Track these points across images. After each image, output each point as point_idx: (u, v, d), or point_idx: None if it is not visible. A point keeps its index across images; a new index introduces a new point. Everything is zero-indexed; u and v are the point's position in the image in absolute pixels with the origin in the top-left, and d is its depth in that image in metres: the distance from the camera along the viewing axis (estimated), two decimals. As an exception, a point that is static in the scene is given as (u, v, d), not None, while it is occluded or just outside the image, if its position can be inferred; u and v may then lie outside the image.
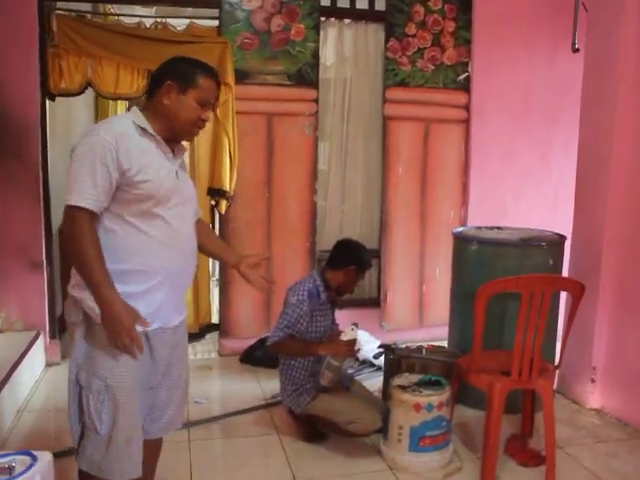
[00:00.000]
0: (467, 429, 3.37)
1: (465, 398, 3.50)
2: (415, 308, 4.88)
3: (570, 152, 4.80)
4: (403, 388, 2.93)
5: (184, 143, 2.16)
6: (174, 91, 1.97)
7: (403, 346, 3.71)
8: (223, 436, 3.30)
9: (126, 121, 1.98)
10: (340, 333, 2.93)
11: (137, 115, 1.99)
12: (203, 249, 2.29)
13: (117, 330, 1.83)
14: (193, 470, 2.89)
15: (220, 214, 4.34)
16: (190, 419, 3.33)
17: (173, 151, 2.05)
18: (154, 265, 1.95)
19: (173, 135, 2.03)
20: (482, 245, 3.49)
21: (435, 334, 4.92)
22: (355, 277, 3.15)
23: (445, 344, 4.03)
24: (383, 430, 3.01)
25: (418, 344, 3.77)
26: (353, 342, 2.89)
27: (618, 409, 3.55)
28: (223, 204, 4.26)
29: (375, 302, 4.82)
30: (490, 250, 3.47)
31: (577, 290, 2.68)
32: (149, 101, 2.04)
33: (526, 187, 4.92)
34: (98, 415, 1.93)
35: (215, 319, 4.79)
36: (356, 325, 2.96)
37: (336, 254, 3.21)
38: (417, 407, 2.84)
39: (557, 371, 2.96)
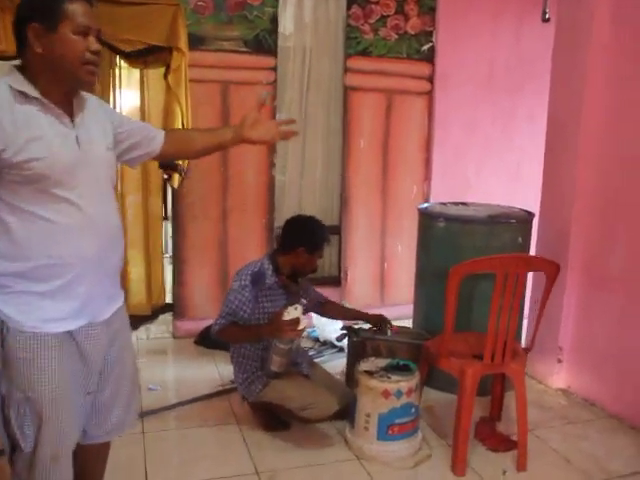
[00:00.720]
0: (434, 413, 3.27)
1: (431, 380, 3.37)
2: (376, 286, 4.75)
3: (533, 123, 4.75)
4: (370, 374, 2.79)
5: (86, 97, 1.76)
6: (42, 33, 1.58)
7: (367, 327, 3.57)
8: (179, 426, 3.09)
9: None
10: (282, 313, 2.70)
11: (15, 77, 1.61)
12: (194, 152, 2.15)
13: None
14: (148, 464, 2.69)
15: (173, 188, 4.08)
16: (144, 408, 3.11)
17: (71, 115, 1.68)
18: (65, 256, 1.65)
19: (65, 87, 1.65)
20: (449, 222, 3.36)
21: (397, 313, 4.78)
22: (308, 259, 2.93)
23: (409, 324, 3.92)
24: (349, 417, 2.87)
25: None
26: (296, 321, 2.66)
27: (584, 389, 3.50)
28: (176, 178, 4.00)
29: (335, 280, 4.66)
30: (457, 228, 3.34)
31: (552, 271, 2.57)
32: (23, 58, 1.64)
33: (488, 159, 4.81)
34: (21, 429, 1.69)
35: (169, 299, 4.55)
36: (301, 304, 2.74)
37: (284, 235, 3.01)
38: (385, 394, 2.71)
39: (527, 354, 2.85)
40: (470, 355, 2.75)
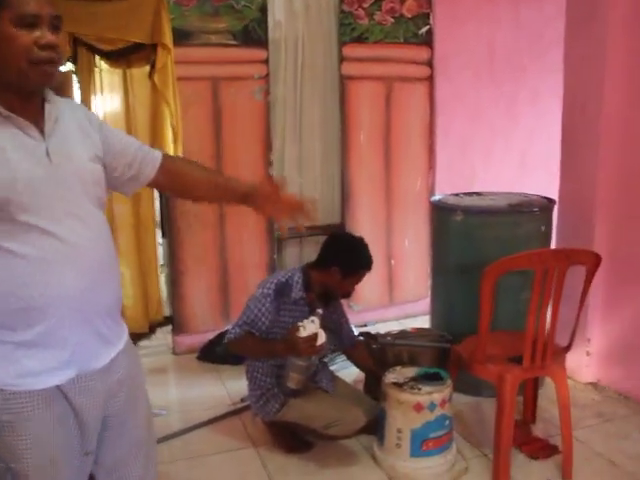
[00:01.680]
0: (463, 419, 3.04)
1: (457, 384, 3.16)
2: (384, 285, 4.52)
3: (538, 103, 4.55)
4: (399, 386, 2.56)
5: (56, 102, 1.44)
6: None
7: (383, 332, 3.35)
8: (191, 455, 2.82)
9: None
10: (298, 328, 2.44)
11: None
12: (192, 195, 1.82)
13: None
14: (161, 502, 2.45)
15: (166, 196, 3.82)
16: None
17: (41, 124, 1.38)
18: (36, 296, 1.34)
19: (19, 93, 1.35)
20: (468, 215, 3.13)
21: (407, 311, 4.60)
22: (341, 281, 2.67)
23: (422, 322, 3.71)
24: (377, 433, 2.64)
25: (401, 329, 3.41)
26: (313, 338, 2.42)
27: (615, 382, 3.30)
28: (168, 185, 3.74)
29: (341, 281, 4.42)
30: (477, 220, 3.12)
31: (593, 263, 2.35)
32: None
33: (494, 145, 4.59)
34: None
35: (167, 313, 4.28)
36: (317, 315, 2.48)
37: (322, 249, 2.76)
38: (418, 407, 2.48)
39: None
40: (505, 358, 2.53)
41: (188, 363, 3.91)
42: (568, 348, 2.58)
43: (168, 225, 3.89)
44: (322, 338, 2.45)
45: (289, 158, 4.25)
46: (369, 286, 4.39)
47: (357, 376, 3.46)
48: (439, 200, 3.40)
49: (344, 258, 2.65)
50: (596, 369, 3.39)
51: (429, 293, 4.01)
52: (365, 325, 4.45)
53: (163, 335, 4.30)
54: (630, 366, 3.22)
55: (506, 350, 2.61)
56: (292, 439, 2.79)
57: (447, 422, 2.55)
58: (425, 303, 4.46)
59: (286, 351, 2.48)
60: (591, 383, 3.40)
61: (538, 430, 2.91)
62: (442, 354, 3.14)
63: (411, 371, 2.69)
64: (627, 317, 3.19)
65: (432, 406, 2.48)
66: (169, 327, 4.11)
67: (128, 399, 1.57)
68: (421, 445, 2.51)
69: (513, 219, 3.06)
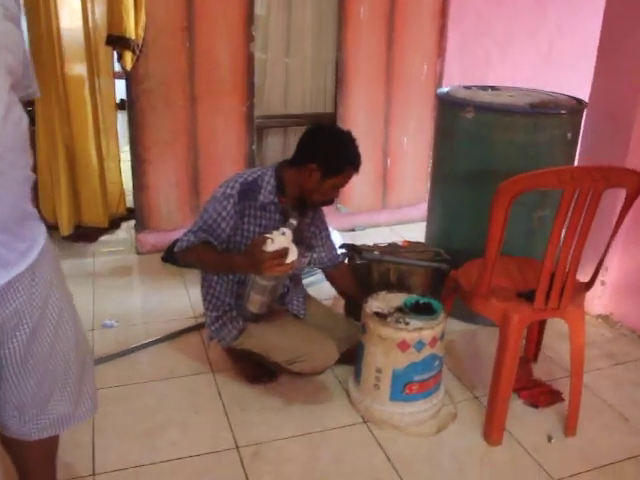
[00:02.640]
0: (455, 352, 2.66)
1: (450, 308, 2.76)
2: (378, 186, 4.02)
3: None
4: (382, 317, 2.13)
5: None
6: None
7: (370, 244, 2.89)
8: (138, 379, 2.42)
9: None
10: (264, 240, 1.93)
11: None
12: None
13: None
14: (96, 437, 2.07)
15: (126, 71, 3.23)
16: (95, 354, 2.48)
17: None
18: None
19: None
20: (481, 112, 2.58)
21: (402, 217, 4.14)
22: (320, 182, 2.12)
23: (416, 230, 3.26)
24: (355, 367, 2.24)
25: (391, 242, 2.95)
26: (282, 254, 1.91)
27: (629, 317, 2.91)
28: (128, 57, 3.15)
29: (329, 180, 3.92)
30: (492, 119, 2.58)
31: (637, 186, 1.84)
32: None
33: (516, 34, 3.95)
34: None
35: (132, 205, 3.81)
36: (290, 226, 1.98)
37: (299, 144, 2.19)
38: (403, 346, 2.06)
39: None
40: (514, 292, 2.08)
41: (151, 265, 3.49)
42: (590, 285, 2.13)
43: (128, 105, 3.32)
44: (293, 255, 1.96)
45: (275, 34, 3.62)
46: (360, 186, 3.92)
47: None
48: (447, 93, 2.82)
49: (324, 153, 2.10)
50: (609, 301, 2.98)
51: (427, 198, 3.55)
52: (353, 230, 4.01)
53: (128, 231, 3.86)
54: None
55: (514, 282, 2.16)
56: (254, 367, 2.39)
57: (436, 363, 2.15)
58: (422, 209, 4.00)
59: (247, 267, 2.00)
60: (602, 316, 3.00)
61: (540, 370, 2.53)
62: (436, 276, 2.71)
63: (398, 299, 2.25)
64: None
65: (420, 345, 2.06)
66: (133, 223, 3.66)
67: (35, 329, 1.32)
68: (403, 389, 2.11)
69: (534, 121, 2.51)
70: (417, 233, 3.45)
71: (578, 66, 3.38)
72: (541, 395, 2.35)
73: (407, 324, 2.10)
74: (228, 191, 2.12)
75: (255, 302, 2.07)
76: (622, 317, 2.93)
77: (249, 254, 1.97)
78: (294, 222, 2.02)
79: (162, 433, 2.12)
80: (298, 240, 2.12)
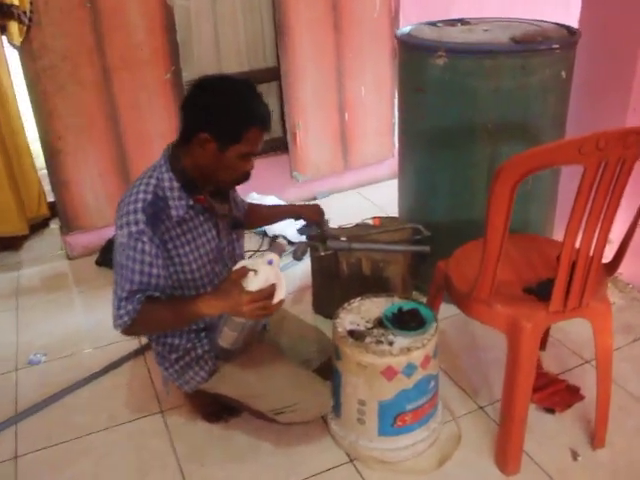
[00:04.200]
0: (448, 347, 2.25)
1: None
2: (336, 146, 3.52)
3: None
4: (359, 338, 1.69)
5: None
6: None
7: (336, 225, 2.41)
8: (71, 434, 1.96)
9: None
10: (245, 273, 1.45)
11: None
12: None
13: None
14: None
15: (16, 47, 2.64)
16: (18, 400, 2.02)
17: None
18: None
19: None
20: (454, 56, 2.09)
21: (368, 177, 3.69)
22: (219, 154, 1.57)
23: (383, 188, 2.87)
24: (334, 396, 1.81)
25: (359, 222, 2.49)
26: (269, 292, 1.44)
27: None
28: (15, 29, 2.56)
29: (281, 144, 3.41)
30: (469, 64, 2.09)
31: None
32: None
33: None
34: None
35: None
36: (277, 249, 1.50)
37: (181, 112, 1.63)
38: (389, 373, 1.63)
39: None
40: (519, 287, 1.66)
41: (85, 271, 3.00)
42: (613, 268, 1.71)
43: (28, 88, 2.75)
44: (282, 292, 1.46)
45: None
46: (316, 148, 3.45)
47: (302, 282, 2.62)
48: (409, 34, 2.31)
49: (213, 115, 1.55)
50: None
51: (395, 153, 3.09)
52: (315, 198, 3.53)
53: (57, 233, 3.34)
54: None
55: (518, 272, 1.74)
56: (212, 402, 1.95)
57: (432, 384, 1.73)
58: (390, 165, 3.57)
59: (222, 309, 1.49)
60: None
61: (549, 358, 2.14)
62: (418, 260, 2.27)
63: (376, 307, 1.81)
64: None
65: (410, 369, 1.64)
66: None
67: None
68: (394, 421, 1.70)
69: (522, 61, 2.03)
70: (388, 195, 3.00)
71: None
72: (557, 396, 1.96)
73: (391, 344, 1.66)
74: (133, 229, 1.55)
75: (228, 338, 1.58)
76: (633, 278, 2.54)
77: (224, 294, 1.46)
78: (284, 241, 1.51)
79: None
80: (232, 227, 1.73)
